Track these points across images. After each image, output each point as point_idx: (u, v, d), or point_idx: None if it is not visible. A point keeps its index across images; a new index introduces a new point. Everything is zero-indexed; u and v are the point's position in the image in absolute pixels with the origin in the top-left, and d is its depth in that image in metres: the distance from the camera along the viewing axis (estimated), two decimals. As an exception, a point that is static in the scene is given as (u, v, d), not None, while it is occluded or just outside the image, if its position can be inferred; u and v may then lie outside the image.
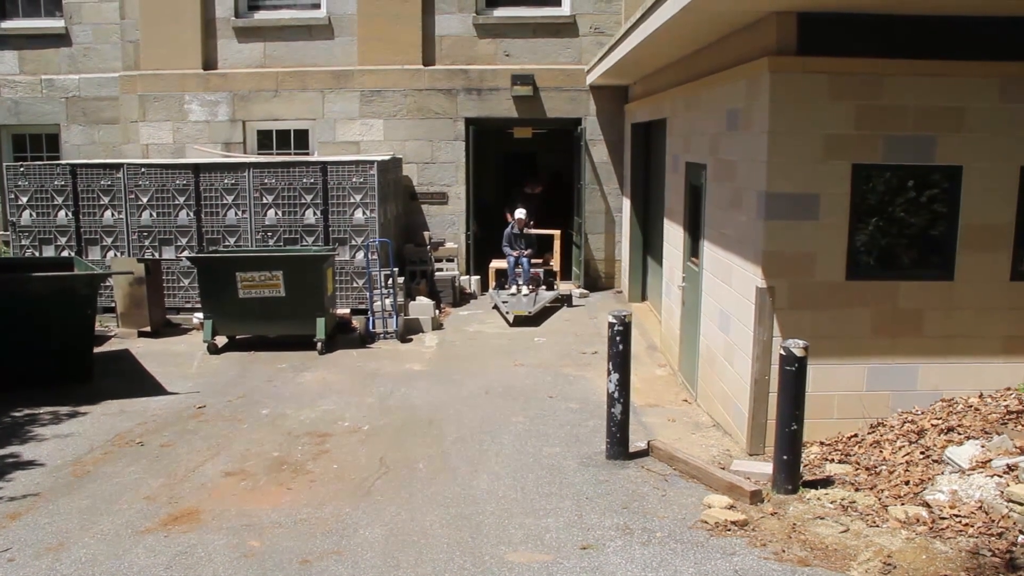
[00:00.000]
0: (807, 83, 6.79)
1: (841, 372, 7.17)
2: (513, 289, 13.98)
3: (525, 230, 14.39)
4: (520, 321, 12.82)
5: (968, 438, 6.46)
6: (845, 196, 6.94)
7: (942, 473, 6.17)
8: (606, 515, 6.18)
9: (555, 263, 15.09)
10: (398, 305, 12.23)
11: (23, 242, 13.15)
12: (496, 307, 13.67)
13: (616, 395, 7.23)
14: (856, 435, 7.11)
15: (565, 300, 14.29)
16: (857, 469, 6.60)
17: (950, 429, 6.67)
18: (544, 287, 14.38)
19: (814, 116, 6.83)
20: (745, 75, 7.34)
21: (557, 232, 14.87)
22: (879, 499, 6.08)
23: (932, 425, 6.80)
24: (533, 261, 14.56)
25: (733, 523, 5.87)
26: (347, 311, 12.61)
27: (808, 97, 6.81)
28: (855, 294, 7.08)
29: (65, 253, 12.96)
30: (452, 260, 15.09)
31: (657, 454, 7.29)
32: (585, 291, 15.06)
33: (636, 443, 7.50)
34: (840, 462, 6.78)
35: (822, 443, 7.16)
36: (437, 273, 14.63)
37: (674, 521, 6.04)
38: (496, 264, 14.90)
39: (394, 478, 6.97)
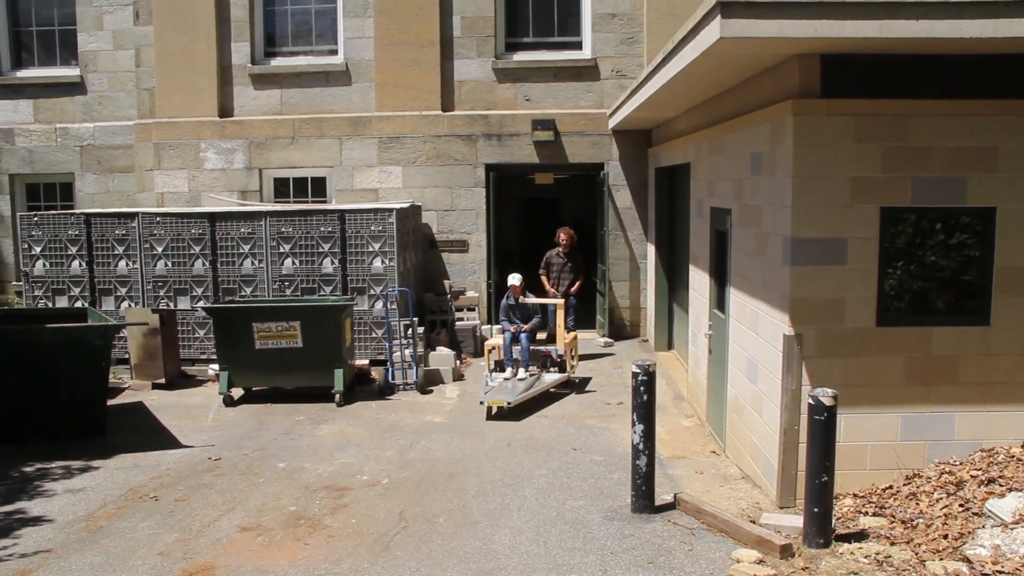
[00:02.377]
0: (832, 126, 6.91)
1: (873, 421, 7.19)
2: (508, 372, 11.85)
3: (521, 299, 12.46)
4: (501, 414, 10.67)
5: (1010, 490, 6.45)
6: (874, 240, 7.02)
7: (983, 527, 6.16)
8: (631, 570, 6.20)
9: (560, 339, 12.20)
10: (418, 356, 12.34)
11: (36, 292, 13.40)
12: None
13: (641, 447, 7.27)
14: (891, 487, 7.10)
15: (574, 386, 12.09)
16: (892, 522, 6.59)
17: (991, 480, 6.66)
18: (556, 368, 12.15)
19: (840, 159, 6.94)
20: (768, 118, 7.47)
21: (560, 302, 12.48)
22: (916, 554, 6.07)
23: (971, 476, 6.79)
24: (548, 334, 13.03)
25: (763, 578, 5.88)
26: (366, 362, 12.73)
27: (833, 140, 6.93)
28: (886, 341, 7.13)
29: (79, 303, 13.20)
30: (473, 309, 15.20)
31: (684, 507, 7.31)
32: (610, 340, 15.10)
33: (662, 496, 7.52)
34: (874, 515, 6.77)
35: (855, 495, 7.16)
36: (458, 323, 14.74)
37: (702, 576, 6.06)
38: (493, 342, 12.39)
39: (414, 533, 7.02)
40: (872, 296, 7.07)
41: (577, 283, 13.77)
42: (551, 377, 11.87)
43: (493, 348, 12.23)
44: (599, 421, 10.31)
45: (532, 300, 12.53)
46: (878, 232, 7.00)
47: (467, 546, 6.73)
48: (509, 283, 12.38)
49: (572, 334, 12.70)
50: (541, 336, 12.97)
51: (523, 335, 11.96)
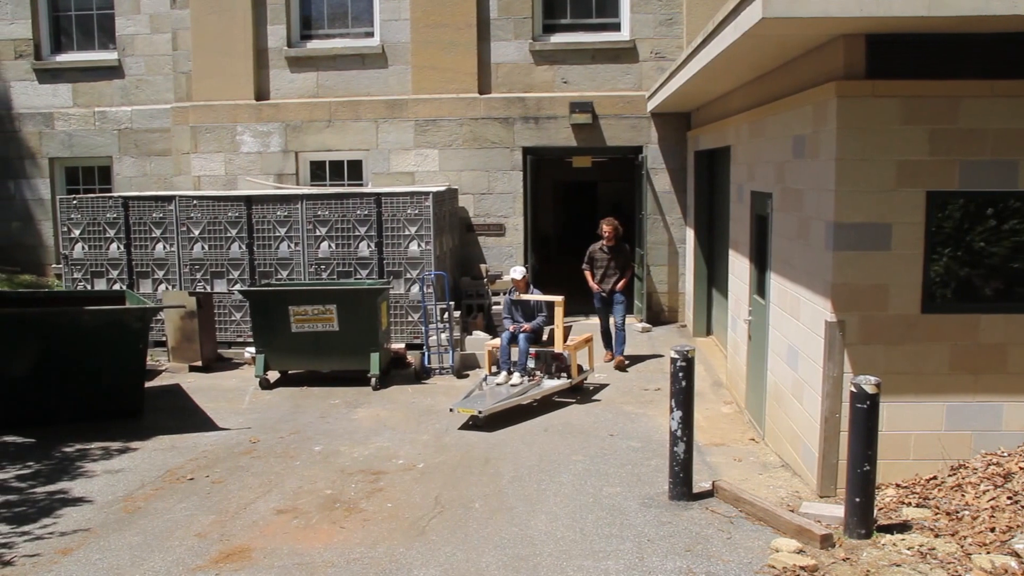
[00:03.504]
0: (877, 108, 6.80)
1: (917, 410, 7.10)
2: (502, 376, 10.75)
3: (523, 295, 11.31)
4: (474, 423, 9.67)
5: (1058, 481, 6.36)
6: (919, 225, 6.90)
7: (1029, 519, 6.07)
8: (668, 558, 6.18)
9: (559, 339, 10.93)
10: (454, 340, 12.36)
11: (75, 275, 13.59)
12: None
13: (679, 433, 7.24)
14: (935, 477, 7.01)
15: (579, 393, 10.94)
16: (936, 514, 6.50)
17: (1038, 472, 6.56)
18: (563, 374, 10.91)
19: (885, 142, 6.83)
20: (811, 100, 7.37)
21: (559, 299, 11.03)
22: (961, 547, 5.99)
23: (1020, 468, 6.68)
24: (570, 337, 11.41)
25: (802, 568, 5.83)
26: (402, 346, 12.79)
27: (878, 122, 6.81)
28: (931, 328, 7.02)
29: (117, 286, 13.37)
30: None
31: (722, 495, 7.27)
32: (648, 325, 15.04)
33: (700, 483, 7.49)
34: (918, 506, 6.69)
35: (898, 485, 7.08)
36: (494, 307, 14.74)
37: (740, 565, 6.02)
38: (492, 342, 11.44)
39: (449, 518, 7.05)
40: (917, 282, 6.96)
41: (623, 279, 12.54)
42: (551, 384, 10.66)
43: (493, 348, 11.22)
44: (636, 407, 10.28)
45: (536, 296, 11.31)
46: (924, 217, 6.89)
47: (503, 531, 6.75)
48: (511, 276, 11.37)
49: (583, 336, 11.58)
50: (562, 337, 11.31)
51: (521, 335, 10.81)
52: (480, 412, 9.53)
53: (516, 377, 10.67)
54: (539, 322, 11.12)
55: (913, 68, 6.78)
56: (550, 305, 11.21)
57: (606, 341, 12.73)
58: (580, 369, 11.18)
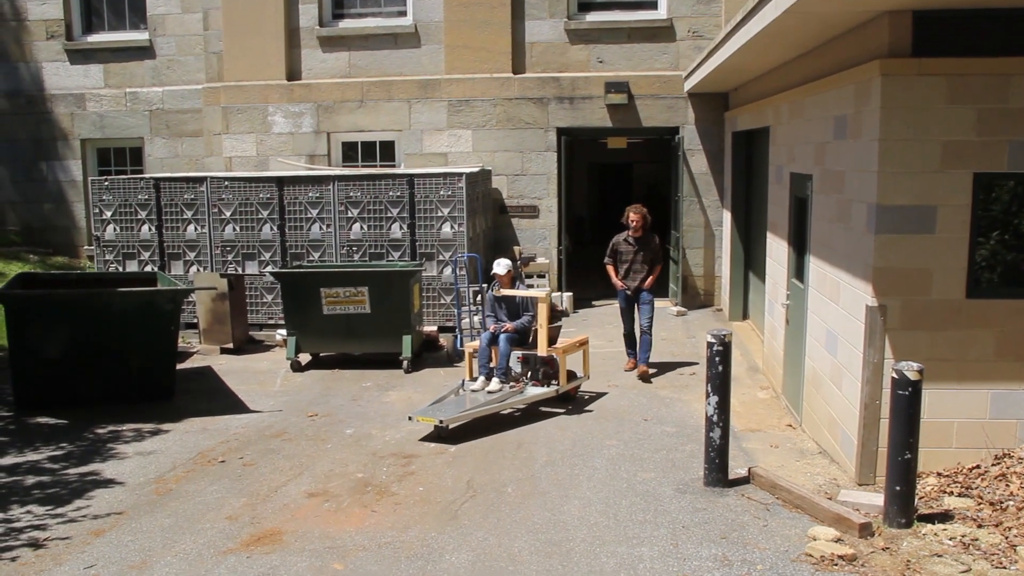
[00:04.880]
0: (923, 87, 6.68)
1: (960, 398, 7.01)
2: (479, 382, 9.69)
3: (507, 291, 10.05)
4: (439, 434, 8.72)
5: (1105, 471, 6.26)
6: (965, 208, 6.79)
7: (1075, 509, 5.98)
8: (703, 545, 6.16)
9: (542, 342, 9.64)
10: (485, 323, 12.34)
11: (107, 257, 13.73)
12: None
13: (715, 419, 7.21)
14: (978, 466, 6.93)
15: (571, 403, 9.85)
16: (980, 504, 6.43)
17: (1085, 461, 6.46)
18: (554, 382, 9.67)
19: (930, 122, 6.71)
20: (854, 79, 7.26)
21: (541, 294, 9.75)
22: (1006, 538, 5.91)
23: (1065, 457, 6.61)
24: (564, 338, 10.34)
25: (840, 557, 5.79)
26: (434, 328, 12.81)
27: (924, 102, 6.70)
28: (976, 313, 6.92)
29: (148, 268, 13.50)
30: (543, 276, 15.19)
31: (758, 482, 7.23)
32: (683, 309, 14.98)
33: (736, 470, 7.45)
34: (960, 495, 6.62)
35: (939, 474, 7.00)
36: (528, 290, 14.70)
37: (776, 553, 5.99)
38: (473, 344, 10.23)
39: (481, 502, 7.07)
40: (962, 266, 6.86)
41: (651, 276, 11.05)
42: (534, 392, 9.58)
43: (473, 350, 10.05)
44: (671, 391, 10.24)
45: (521, 292, 10.10)
46: (970, 199, 6.77)
47: (535, 516, 6.75)
48: (494, 271, 10.10)
49: (577, 339, 10.27)
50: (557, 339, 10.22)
51: (502, 336, 9.72)
52: (442, 422, 8.56)
53: (494, 383, 9.59)
54: (524, 322, 9.94)
55: (961, 45, 6.65)
56: (535, 303, 9.99)
57: (629, 346, 11.37)
58: (573, 376, 10.01)
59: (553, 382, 9.69)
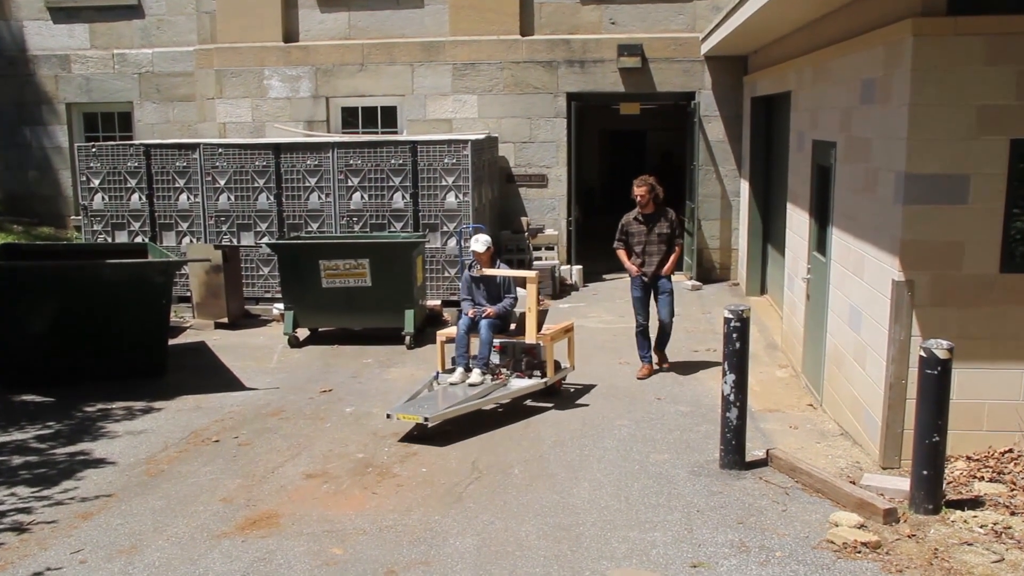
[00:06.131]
0: (958, 47, 6.55)
1: (993, 378, 6.93)
2: (457, 374, 8.98)
3: (487, 270, 9.29)
4: (419, 433, 8.18)
5: None
6: (1001, 177, 6.67)
7: (1112, 495, 5.93)
8: (719, 530, 6.12)
9: (531, 328, 9.00)
10: (491, 297, 12.27)
11: (95, 227, 13.68)
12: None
13: (732, 398, 7.15)
14: (1011, 450, 6.87)
15: (556, 397, 9.25)
16: (1013, 490, 6.37)
17: (1122, 445, 6.40)
18: (536, 372, 9.09)
19: (965, 85, 6.59)
20: (883, 40, 7.14)
21: (531, 275, 9.07)
22: (1040, 525, 5.88)
23: (1102, 440, 6.54)
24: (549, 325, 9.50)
25: (864, 544, 5.74)
26: (437, 303, 12.77)
27: (959, 64, 6.57)
28: (1011, 289, 6.82)
29: (139, 239, 13.45)
30: (552, 248, 15.14)
31: (777, 464, 7.18)
32: (698, 283, 14.92)
33: (753, 452, 7.41)
34: (991, 480, 6.56)
35: (969, 458, 6.94)
36: (535, 262, 14.68)
37: (796, 539, 5.95)
38: (447, 331, 9.62)
39: (487, 484, 7.04)
40: (996, 239, 6.75)
41: (671, 259, 9.93)
42: (520, 384, 8.95)
43: (447, 337, 9.43)
44: (685, 369, 10.17)
45: (503, 272, 9.40)
46: (1007, 168, 6.64)
47: (543, 499, 6.72)
48: (471, 248, 9.33)
49: (562, 325, 9.65)
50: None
51: (483, 322, 9.09)
52: (427, 420, 7.98)
53: (476, 375, 8.91)
54: (506, 305, 9.29)
55: (1001, 2, 6.51)
56: (515, 284, 9.51)
57: (642, 347, 10.02)
58: (557, 367, 9.38)
59: (536, 373, 9.10)
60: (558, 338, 9.36)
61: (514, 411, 8.89)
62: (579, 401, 9.16)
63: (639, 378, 9.82)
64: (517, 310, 9.40)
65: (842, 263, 8.31)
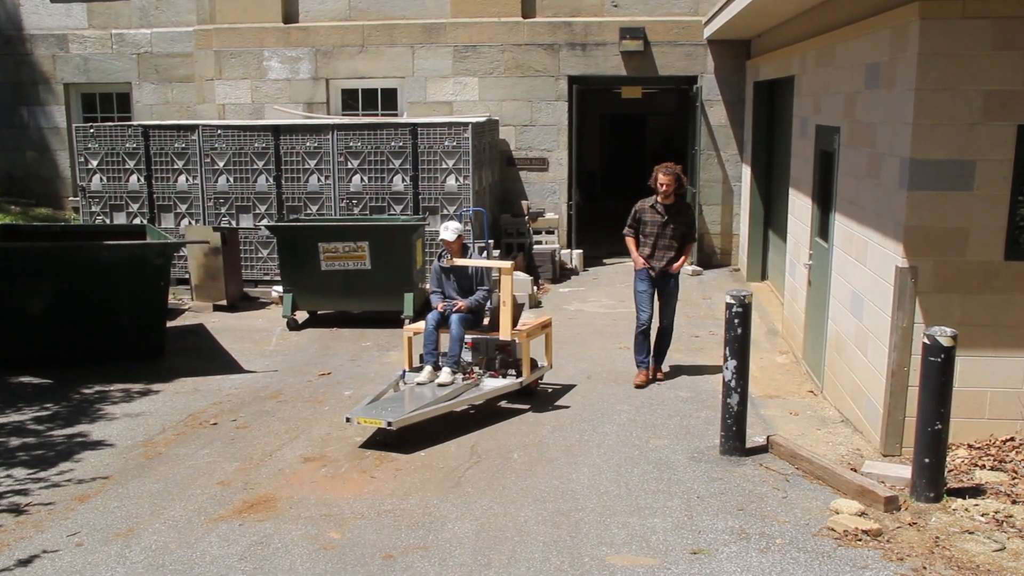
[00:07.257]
0: (965, 31, 6.48)
1: (995, 366, 6.90)
2: (425, 373, 8.36)
3: (458, 260, 8.79)
4: (382, 439, 7.59)
5: None
6: (1007, 163, 6.62)
7: (1114, 484, 5.91)
8: (719, 517, 6.10)
9: (505, 325, 8.42)
10: (493, 280, 12.25)
11: (93, 208, 13.62)
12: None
13: (733, 384, 7.12)
14: (1012, 439, 6.85)
15: (533, 399, 8.65)
16: (1014, 478, 6.35)
17: (1125, 434, 6.38)
18: (512, 372, 8.48)
19: (972, 70, 6.53)
20: (889, 23, 7.08)
21: (505, 265, 8.42)
22: (1041, 513, 5.86)
23: (1104, 429, 6.52)
24: (525, 321, 9.02)
25: (864, 532, 5.72)
26: (436, 287, 12.71)
27: (966, 47, 6.50)
28: (1016, 277, 6.78)
29: (137, 220, 13.39)
30: (552, 232, 15.09)
31: (777, 451, 7.16)
32: (698, 268, 14.88)
33: (754, 438, 7.39)
34: (992, 469, 6.54)
35: (970, 446, 6.92)
36: (536, 246, 14.64)
37: (796, 527, 5.93)
38: (414, 326, 8.96)
39: (486, 468, 7.01)
40: (1001, 226, 6.71)
41: (683, 256, 9.28)
42: (494, 384, 8.35)
43: (415, 333, 8.80)
44: (685, 355, 10.16)
45: (476, 262, 8.90)
46: (1013, 154, 6.58)
47: (542, 484, 6.70)
48: (441, 236, 8.83)
49: (539, 320, 9.11)
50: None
51: (453, 317, 8.49)
52: (391, 424, 7.35)
53: (445, 374, 8.26)
54: (478, 298, 8.72)
55: (1009, -15, 6.45)
56: (489, 276, 8.90)
57: (641, 350, 9.25)
58: (534, 365, 8.80)
59: (511, 372, 8.50)
60: (535, 334, 8.76)
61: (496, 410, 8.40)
62: (558, 402, 8.56)
63: (637, 386, 9.04)
64: (520, 306, 8.99)
65: (844, 249, 8.27)
